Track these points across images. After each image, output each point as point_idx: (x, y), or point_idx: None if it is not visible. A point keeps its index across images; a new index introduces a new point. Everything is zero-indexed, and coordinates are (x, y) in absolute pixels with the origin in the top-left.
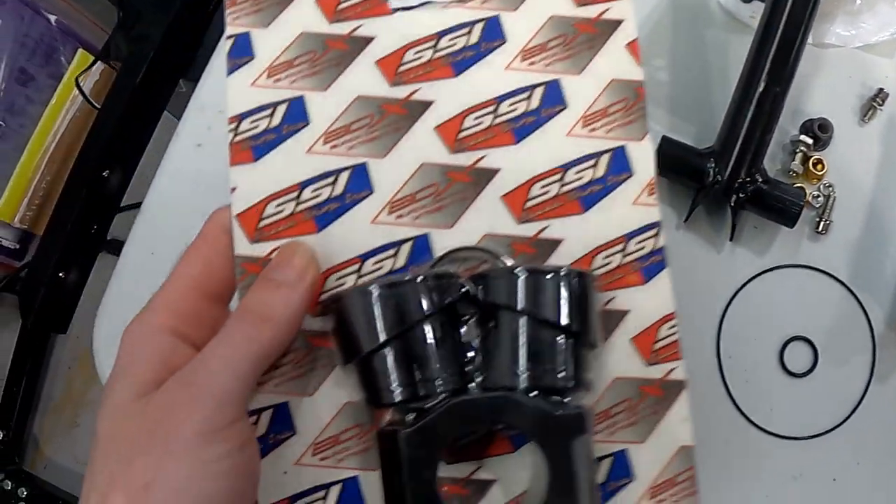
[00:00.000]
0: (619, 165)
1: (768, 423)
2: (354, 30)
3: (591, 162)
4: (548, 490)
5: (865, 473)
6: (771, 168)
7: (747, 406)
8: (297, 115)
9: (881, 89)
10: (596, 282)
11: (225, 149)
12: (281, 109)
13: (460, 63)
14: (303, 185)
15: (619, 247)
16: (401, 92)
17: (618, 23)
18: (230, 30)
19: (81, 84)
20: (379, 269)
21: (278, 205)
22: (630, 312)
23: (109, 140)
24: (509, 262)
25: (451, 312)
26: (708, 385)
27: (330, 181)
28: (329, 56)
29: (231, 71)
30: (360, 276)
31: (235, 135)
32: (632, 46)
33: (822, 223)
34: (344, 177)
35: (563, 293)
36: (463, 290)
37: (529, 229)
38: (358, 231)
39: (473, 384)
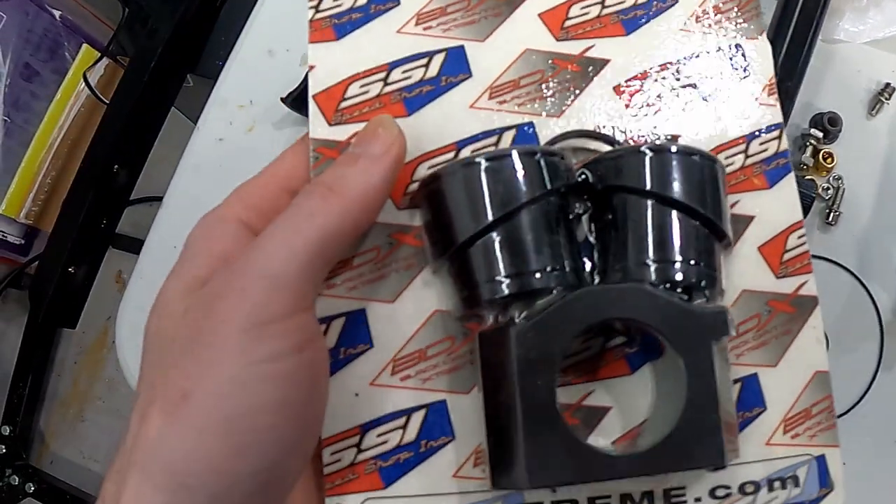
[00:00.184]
0: (736, 62)
1: None
2: None
3: (707, 59)
4: (686, 399)
5: (873, 460)
6: None
7: None
8: None
9: (888, 83)
10: (723, 168)
11: (246, 143)
12: None
13: None
14: (392, 66)
15: (741, 146)
16: None
17: None
18: None
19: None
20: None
21: (363, 85)
22: (756, 219)
23: (118, 135)
24: None
25: (564, 203)
26: None
27: (423, 62)
28: None
29: None
30: None
31: (316, 12)
32: None
33: (831, 214)
34: (439, 59)
35: (696, 175)
36: (581, 176)
37: (642, 124)
38: (454, 116)
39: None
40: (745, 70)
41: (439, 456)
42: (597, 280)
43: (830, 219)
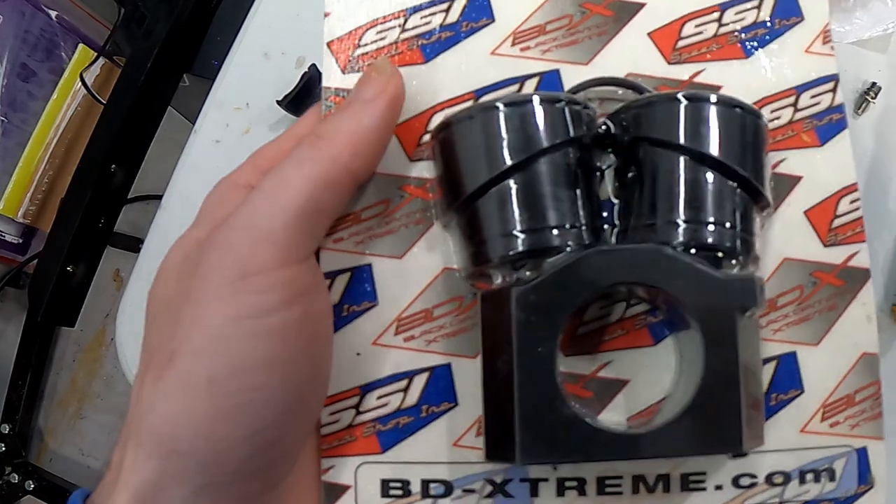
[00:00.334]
0: (787, 8)
1: None
2: None
3: (754, 2)
4: (703, 376)
5: None
6: None
7: None
8: None
9: (874, 83)
10: (766, 124)
11: (243, 145)
12: None
13: None
14: (410, 11)
15: (790, 99)
16: None
17: None
18: None
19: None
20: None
21: (379, 32)
22: (804, 179)
23: (115, 135)
24: None
25: (586, 156)
26: None
27: (443, 7)
28: None
29: None
30: None
31: None
32: None
33: None
34: (460, 3)
35: (736, 130)
36: (603, 126)
37: (681, 71)
38: (473, 63)
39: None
40: (797, 15)
41: (440, 422)
42: (621, 234)
43: None
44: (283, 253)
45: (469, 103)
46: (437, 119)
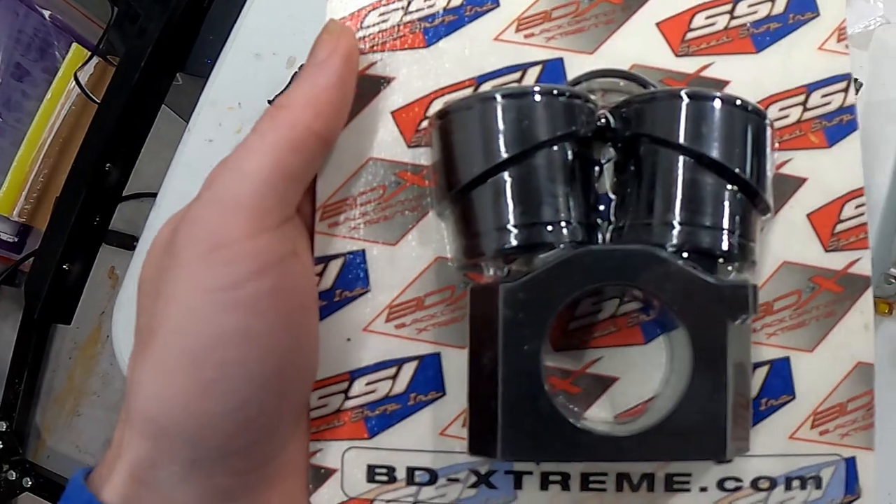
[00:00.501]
0: (803, 2)
1: None
2: None
3: None
4: (690, 381)
5: None
6: None
7: None
8: None
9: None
10: (771, 125)
11: (235, 144)
12: None
13: None
14: None
15: (800, 98)
16: None
17: None
18: None
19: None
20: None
21: (382, 14)
22: (809, 181)
23: (110, 134)
24: None
25: (584, 150)
26: None
27: None
28: None
29: None
30: None
31: None
32: None
33: None
34: None
35: (740, 132)
36: (602, 120)
37: (689, 64)
38: (476, 49)
39: (604, 241)
40: (813, 10)
41: (428, 411)
42: (614, 232)
43: None
44: (253, 222)
45: (470, 90)
46: (437, 105)
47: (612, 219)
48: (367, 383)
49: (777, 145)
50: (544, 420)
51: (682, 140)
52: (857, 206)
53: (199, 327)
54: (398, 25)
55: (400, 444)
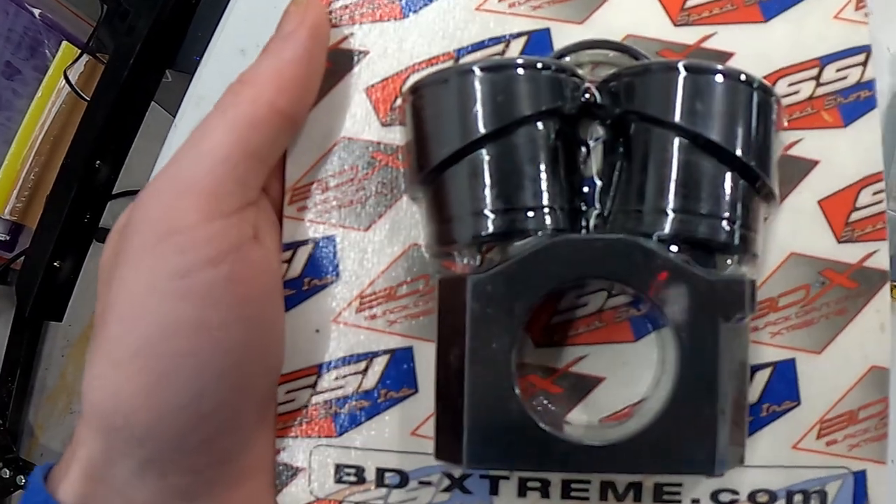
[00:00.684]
0: None
1: None
2: None
3: None
4: (676, 386)
5: None
6: None
7: None
8: None
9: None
10: (780, 105)
11: None
12: None
13: None
14: None
15: (812, 72)
16: None
17: None
18: None
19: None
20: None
21: None
22: (821, 164)
23: (100, 131)
24: None
25: (569, 128)
26: None
27: None
28: None
29: None
30: None
31: None
32: None
33: None
34: None
35: (743, 110)
36: (587, 95)
37: (689, 34)
38: (456, 19)
39: (588, 228)
40: None
41: (399, 409)
42: (599, 220)
43: None
44: (209, 205)
45: (449, 64)
46: (413, 80)
47: (597, 205)
48: (336, 378)
49: (786, 124)
50: (514, 426)
51: (677, 119)
52: (874, 193)
53: (148, 317)
54: None
55: (369, 443)
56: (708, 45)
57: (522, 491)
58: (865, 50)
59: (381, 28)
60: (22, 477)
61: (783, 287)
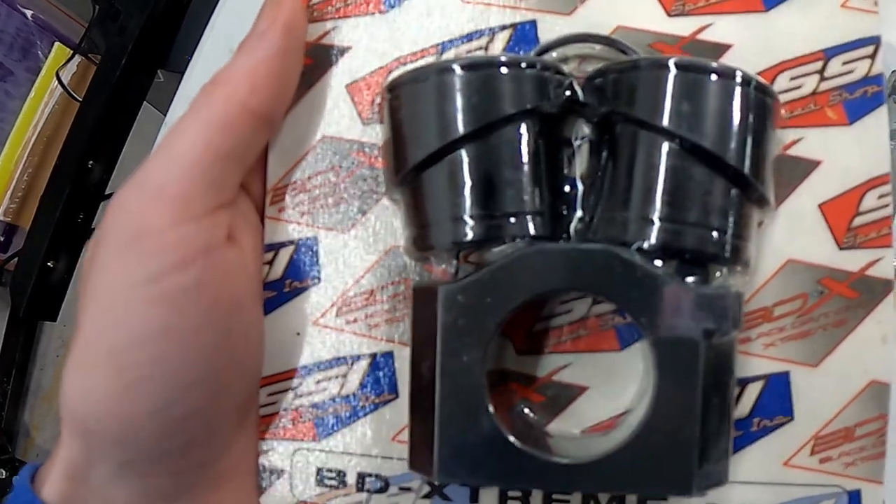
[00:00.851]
0: None
1: None
2: None
3: None
4: (653, 404)
5: None
6: None
7: None
8: None
9: None
10: (778, 105)
11: None
12: None
13: None
14: None
15: (816, 65)
16: None
17: None
18: None
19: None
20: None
21: None
22: (823, 165)
23: (92, 132)
24: None
25: (554, 127)
26: None
27: None
28: None
29: None
30: None
31: None
32: None
33: None
34: None
35: (736, 113)
36: (567, 92)
37: (684, 25)
38: (440, 12)
39: (570, 236)
40: None
41: (379, 414)
42: (581, 226)
43: None
44: (180, 208)
45: (432, 58)
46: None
47: (580, 212)
48: (317, 381)
49: (786, 121)
50: (485, 441)
51: (665, 122)
52: (879, 196)
53: (121, 324)
54: None
55: (350, 447)
56: (704, 36)
57: (503, 500)
58: (874, 41)
59: (362, 22)
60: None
61: (779, 296)
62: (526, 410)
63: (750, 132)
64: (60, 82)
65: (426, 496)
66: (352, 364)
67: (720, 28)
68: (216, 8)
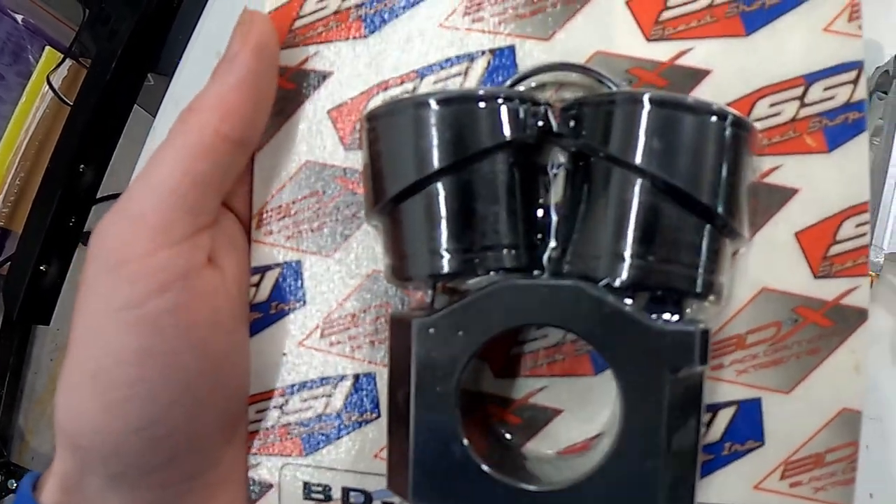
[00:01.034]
0: None
1: None
2: None
3: None
4: (619, 436)
5: None
6: None
7: None
8: None
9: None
10: (755, 138)
11: None
12: None
13: None
14: None
15: (796, 91)
16: None
17: None
18: None
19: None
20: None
21: (319, 0)
22: (801, 193)
23: (83, 136)
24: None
25: (530, 156)
26: None
27: None
28: None
29: None
30: None
31: None
32: None
33: None
34: None
35: (711, 151)
36: (540, 122)
37: (663, 50)
38: (420, 37)
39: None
40: None
41: (362, 432)
42: (556, 258)
43: None
44: (158, 235)
45: (411, 85)
46: (376, 103)
47: (554, 241)
48: (303, 400)
49: (764, 149)
50: (457, 467)
51: (637, 160)
52: (857, 225)
53: (101, 345)
54: (337, 13)
55: (335, 463)
56: (683, 61)
57: None
58: (857, 66)
59: (343, 47)
60: (13, 481)
61: (752, 324)
62: (503, 432)
63: (725, 169)
64: (51, 86)
65: None
66: (336, 384)
67: (699, 53)
68: (202, 12)
